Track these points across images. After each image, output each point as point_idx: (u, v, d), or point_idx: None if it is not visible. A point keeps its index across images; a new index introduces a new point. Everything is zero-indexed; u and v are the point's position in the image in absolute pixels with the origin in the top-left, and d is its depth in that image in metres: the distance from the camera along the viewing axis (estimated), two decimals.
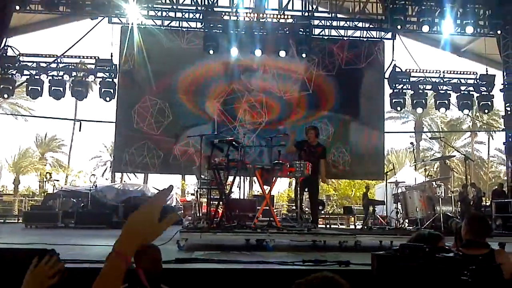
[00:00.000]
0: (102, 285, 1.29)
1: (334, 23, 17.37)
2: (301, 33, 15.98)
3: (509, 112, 16.10)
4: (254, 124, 16.31)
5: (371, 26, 17.59)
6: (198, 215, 10.97)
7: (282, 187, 33.68)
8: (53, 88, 15.77)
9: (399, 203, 10.93)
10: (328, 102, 16.96)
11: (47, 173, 21.00)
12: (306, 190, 9.63)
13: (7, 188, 41.62)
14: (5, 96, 16.41)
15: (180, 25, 16.81)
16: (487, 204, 15.99)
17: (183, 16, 16.65)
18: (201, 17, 16.31)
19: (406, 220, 10.60)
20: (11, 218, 19.12)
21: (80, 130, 21.11)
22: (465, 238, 3.86)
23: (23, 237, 10.13)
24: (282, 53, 15.79)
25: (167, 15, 16.56)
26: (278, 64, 16.55)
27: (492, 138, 43.36)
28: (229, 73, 16.57)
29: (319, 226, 15.35)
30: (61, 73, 15.97)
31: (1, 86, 15.67)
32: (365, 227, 12.09)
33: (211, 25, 15.76)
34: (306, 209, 10.55)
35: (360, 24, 17.59)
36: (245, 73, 16.63)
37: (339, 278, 1.46)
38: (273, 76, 16.76)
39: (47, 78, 15.86)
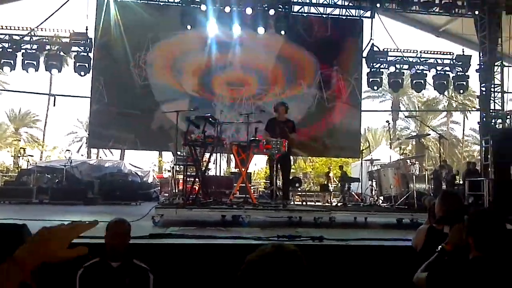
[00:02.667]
0: None
1: (314, 0, 17.25)
2: (280, 10, 15.86)
3: (484, 93, 16.30)
4: (232, 100, 16.26)
5: (350, 4, 17.57)
6: (174, 191, 10.94)
7: (260, 164, 33.75)
8: (26, 61, 15.42)
9: (374, 180, 11.08)
10: (305, 79, 16.97)
11: (21, 148, 20.67)
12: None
13: None
14: None
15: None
16: (461, 182, 16.26)
17: None
18: None
19: (381, 197, 10.75)
20: None
21: (54, 105, 20.81)
22: (438, 215, 3.90)
23: None
24: (261, 30, 15.69)
25: None
26: (256, 39, 16.42)
27: (467, 118, 44.08)
28: (206, 48, 16.41)
29: (295, 203, 15.54)
30: (35, 46, 15.62)
31: None
32: (340, 203, 12.23)
33: None
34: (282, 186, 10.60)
35: (339, 2, 17.54)
36: (222, 48, 16.49)
37: (288, 246, 1.47)
38: (250, 52, 16.66)
39: (20, 51, 15.50)
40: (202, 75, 16.38)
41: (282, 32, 15.84)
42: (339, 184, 17.21)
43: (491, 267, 2.64)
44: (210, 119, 8.62)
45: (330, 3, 17.35)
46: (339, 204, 11.65)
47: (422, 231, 3.88)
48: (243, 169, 9.07)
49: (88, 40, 15.81)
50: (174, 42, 16.27)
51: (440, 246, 3.20)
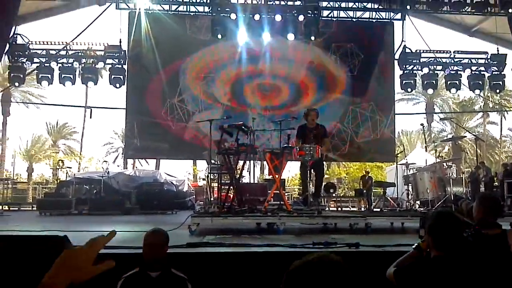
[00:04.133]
0: None
1: (343, 4, 17.20)
2: (309, 15, 15.84)
3: None
4: (264, 109, 16.33)
5: (380, 7, 17.41)
6: (209, 199, 11.03)
7: (294, 171, 33.71)
8: (63, 75, 15.84)
9: (409, 184, 10.91)
10: (338, 85, 16.93)
11: (59, 160, 21.18)
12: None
13: (21, 176, 42.08)
14: (16, 84, 16.57)
15: (188, 10, 16.77)
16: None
17: (190, 0, 16.57)
18: (208, 1, 16.24)
19: (417, 202, 10.59)
20: (26, 206, 19.34)
21: (90, 117, 21.25)
22: (476, 218, 3.85)
23: (38, 224, 10.26)
24: (291, 36, 15.68)
25: None
26: (286, 48, 16.46)
27: (505, 118, 43.03)
28: (237, 57, 16.54)
29: (330, 209, 15.44)
30: (70, 60, 16.04)
31: (12, 74, 15.80)
32: (370, 209, 12.11)
33: (219, 9, 15.65)
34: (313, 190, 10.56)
35: (369, 5, 17.41)
36: (253, 57, 16.59)
37: (333, 256, 1.48)
38: (281, 60, 16.71)
39: (57, 65, 15.93)
40: (234, 84, 16.53)
41: (312, 38, 15.80)
42: (365, 190, 17.07)
43: (450, 266, 2.74)
44: (243, 127, 8.66)
45: (360, 6, 17.26)
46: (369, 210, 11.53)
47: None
48: (276, 176, 9.08)
49: (122, 53, 16.15)
50: (205, 53, 16.46)
51: (416, 243, 3.24)
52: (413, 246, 3.28)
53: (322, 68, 16.92)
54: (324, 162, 10.48)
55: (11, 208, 17.40)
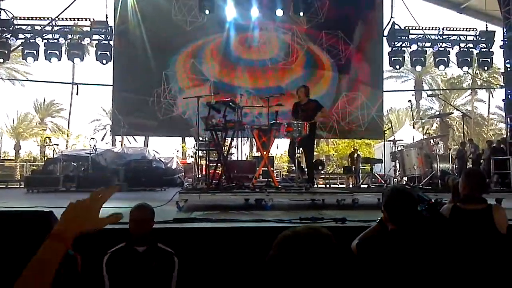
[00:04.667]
0: (37, 269, 1.27)
1: None
2: None
3: (508, 69, 15.98)
4: (254, 83, 16.27)
5: None
6: (197, 176, 11.04)
7: (283, 148, 33.75)
8: (49, 51, 15.62)
9: (397, 161, 10.99)
10: (326, 62, 16.85)
11: (46, 137, 21.01)
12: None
13: (8, 153, 41.82)
14: (1, 60, 16.28)
15: None
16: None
17: None
18: None
19: (404, 178, 10.67)
20: (13, 183, 19.24)
21: (77, 94, 20.98)
22: (462, 193, 3.89)
23: (25, 200, 10.22)
24: (279, 12, 15.55)
25: None
26: (274, 22, 16.33)
27: (492, 96, 43.32)
28: (225, 33, 16.40)
29: (319, 186, 15.52)
30: (56, 36, 15.79)
31: None
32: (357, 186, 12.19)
33: None
34: (306, 169, 10.57)
35: None
36: (241, 32, 16.48)
37: (322, 229, 1.48)
38: (269, 35, 16.62)
39: (42, 41, 15.69)
40: (222, 59, 16.40)
41: (301, 13, 15.67)
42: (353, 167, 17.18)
43: (403, 239, 2.89)
44: (231, 103, 8.62)
45: None
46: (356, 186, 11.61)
47: (446, 210, 3.85)
48: (264, 153, 9.10)
49: (109, 28, 15.93)
50: (192, 28, 16.28)
51: (379, 218, 3.34)
52: (377, 220, 3.39)
53: (310, 42, 16.83)
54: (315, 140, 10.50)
55: None
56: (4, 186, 17.83)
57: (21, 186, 17.06)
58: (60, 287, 1.31)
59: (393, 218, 3.08)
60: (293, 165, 10.22)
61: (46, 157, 18.57)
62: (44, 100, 45.32)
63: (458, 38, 17.02)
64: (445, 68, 17.92)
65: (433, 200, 3.24)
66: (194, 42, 16.39)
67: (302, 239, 1.43)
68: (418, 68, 18.48)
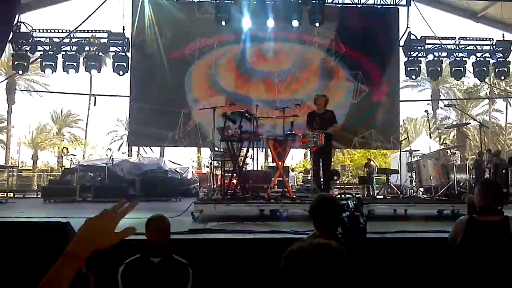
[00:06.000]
0: (49, 284, 1.28)
1: None
2: (314, 1, 15.70)
3: None
4: (268, 95, 16.27)
5: None
6: (213, 187, 11.05)
7: (297, 158, 33.72)
8: (66, 63, 15.80)
9: (413, 171, 10.89)
10: (342, 73, 16.82)
11: (64, 148, 21.26)
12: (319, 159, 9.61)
13: (26, 163, 42.30)
14: (20, 72, 16.55)
15: None
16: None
17: None
18: None
19: (421, 189, 10.58)
20: (30, 193, 19.43)
21: (95, 105, 21.28)
22: (478, 205, 3.83)
23: (42, 211, 10.32)
24: (295, 23, 15.54)
25: None
26: (290, 33, 16.35)
27: (510, 105, 42.75)
28: (241, 43, 16.46)
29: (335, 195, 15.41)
30: (74, 48, 15.97)
31: (16, 62, 15.76)
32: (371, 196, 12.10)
33: None
34: (322, 179, 10.54)
35: None
36: (257, 43, 16.54)
37: (334, 243, 1.47)
38: (285, 46, 16.64)
39: (60, 53, 15.89)
40: (238, 70, 16.46)
41: (317, 24, 15.67)
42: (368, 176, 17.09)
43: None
44: (246, 114, 8.65)
45: None
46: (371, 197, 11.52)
47: (462, 222, 3.81)
48: (280, 163, 9.09)
49: (126, 40, 16.07)
50: (208, 40, 16.38)
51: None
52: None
53: (326, 61, 16.84)
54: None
55: (16, 196, 17.51)
56: (22, 196, 18.01)
57: (38, 196, 17.21)
58: None
59: (318, 224, 3.29)
60: (308, 175, 10.21)
61: (63, 167, 18.79)
62: (62, 111, 45.88)
63: (474, 48, 16.86)
64: (461, 78, 17.77)
65: (355, 208, 3.31)
66: (210, 53, 16.47)
67: (311, 253, 1.43)
68: (435, 78, 18.35)
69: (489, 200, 3.77)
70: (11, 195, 16.88)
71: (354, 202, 3.45)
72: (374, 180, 17.51)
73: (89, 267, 1.40)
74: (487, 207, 3.75)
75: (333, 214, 3.25)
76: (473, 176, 10.26)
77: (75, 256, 1.32)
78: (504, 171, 14.33)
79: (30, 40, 15.78)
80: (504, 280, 3.44)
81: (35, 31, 15.96)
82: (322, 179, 9.61)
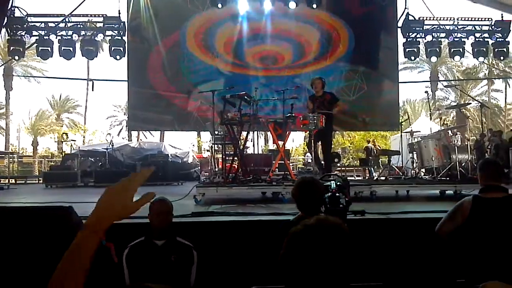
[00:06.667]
0: (71, 260, 1.26)
1: None
2: None
3: None
4: (267, 77, 16.15)
5: None
6: (214, 170, 11.06)
7: (298, 141, 33.68)
8: (63, 48, 15.64)
9: (414, 152, 10.89)
10: (341, 53, 16.70)
11: (63, 133, 21.17)
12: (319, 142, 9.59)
13: (27, 150, 42.34)
14: (16, 58, 16.38)
15: None
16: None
17: None
18: None
19: (422, 170, 10.58)
20: (32, 179, 19.48)
21: (93, 90, 21.17)
22: (481, 184, 3.91)
23: (44, 196, 10.33)
24: (292, 4, 15.41)
25: None
26: (288, 12, 16.15)
27: (509, 85, 42.68)
28: (237, 25, 16.30)
29: None
30: (70, 32, 15.82)
31: (11, 48, 15.59)
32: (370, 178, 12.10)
33: None
34: (322, 162, 10.54)
35: None
36: (254, 24, 16.38)
37: (331, 218, 1.46)
38: (283, 23, 16.48)
39: (56, 38, 15.75)
40: (235, 51, 16.33)
41: (314, 6, 15.54)
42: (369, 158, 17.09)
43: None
44: (246, 97, 8.61)
45: None
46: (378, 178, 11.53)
47: (468, 201, 3.83)
48: (280, 146, 9.08)
49: (122, 24, 15.89)
50: (204, 22, 16.24)
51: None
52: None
53: (325, 29, 16.65)
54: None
55: (17, 182, 17.55)
56: (23, 182, 18.04)
57: (39, 182, 17.25)
58: (95, 278, 1.31)
59: (300, 206, 3.44)
60: (309, 157, 10.20)
61: (63, 153, 18.76)
62: (60, 97, 45.75)
63: (473, 28, 16.73)
64: (460, 58, 17.67)
65: (339, 189, 3.37)
66: (206, 35, 16.33)
67: (311, 232, 1.41)
68: (433, 59, 18.23)
69: (489, 179, 3.87)
70: (13, 181, 16.88)
71: (339, 183, 3.48)
72: (372, 162, 17.49)
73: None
74: (489, 185, 3.82)
75: (314, 195, 3.35)
76: (475, 157, 10.23)
77: (96, 227, 1.30)
78: (505, 152, 14.35)
79: (24, 25, 15.59)
80: (508, 255, 3.48)
81: (30, 16, 15.78)
82: (323, 162, 9.62)
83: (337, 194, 3.31)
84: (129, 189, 1.37)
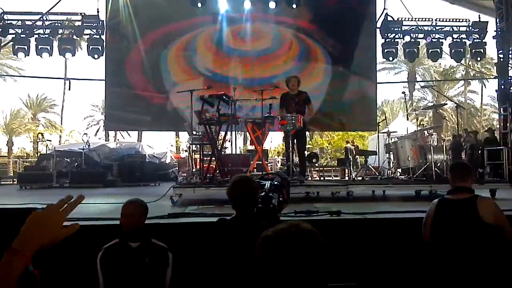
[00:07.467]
0: None
1: None
2: None
3: (501, 60, 16.00)
4: (245, 74, 16.13)
5: None
6: (191, 171, 10.99)
7: (276, 141, 33.71)
8: (40, 47, 15.47)
9: (391, 153, 10.99)
10: (320, 54, 16.77)
11: (39, 133, 20.84)
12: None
13: (1, 150, 41.59)
14: None
15: None
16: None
17: None
18: None
19: (399, 170, 10.68)
20: (6, 180, 19.09)
21: (69, 89, 20.92)
22: (451, 185, 3.99)
23: (17, 198, 10.15)
24: (272, 4, 15.46)
25: None
26: (267, 14, 16.20)
27: (485, 86, 43.46)
28: (217, 25, 16.27)
29: (313, 178, 15.51)
30: (47, 31, 15.63)
31: None
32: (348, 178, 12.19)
33: None
34: (298, 162, 10.55)
35: None
36: (234, 25, 16.37)
37: (303, 224, 1.45)
38: (262, 27, 16.50)
39: (33, 37, 15.53)
40: (216, 51, 16.29)
41: (294, 6, 15.58)
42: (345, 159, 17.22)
43: (241, 225, 3.22)
44: (224, 97, 8.58)
45: None
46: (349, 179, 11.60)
47: (433, 204, 3.96)
48: (258, 146, 9.07)
49: (100, 23, 15.78)
50: (184, 21, 16.16)
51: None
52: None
53: (303, 36, 16.71)
54: (308, 132, 10.46)
55: None
56: None
57: (14, 182, 16.95)
58: None
59: (234, 205, 3.43)
60: (286, 158, 10.21)
61: (39, 153, 18.48)
62: (37, 96, 45.04)
63: (451, 29, 16.97)
64: (438, 59, 17.91)
65: (276, 188, 3.35)
66: (186, 35, 16.26)
67: (283, 238, 1.40)
68: (411, 59, 18.45)
69: (457, 180, 3.93)
70: None
71: (277, 182, 3.46)
72: (351, 163, 17.59)
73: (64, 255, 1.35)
74: (457, 187, 3.91)
75: (248, 195, 3.32)
76: (450, 157, 10.37)
77: (20, 253, 1.25)
78: (480, 152, 14.57)
79: (0, 23, 15.37)
80: (470, 256, 3.56)
81: (6, 14, 15.54)
82: (299, 162, 9.63)
83: (270, 194, 3.30)
84: (56, 215, 1.34)
